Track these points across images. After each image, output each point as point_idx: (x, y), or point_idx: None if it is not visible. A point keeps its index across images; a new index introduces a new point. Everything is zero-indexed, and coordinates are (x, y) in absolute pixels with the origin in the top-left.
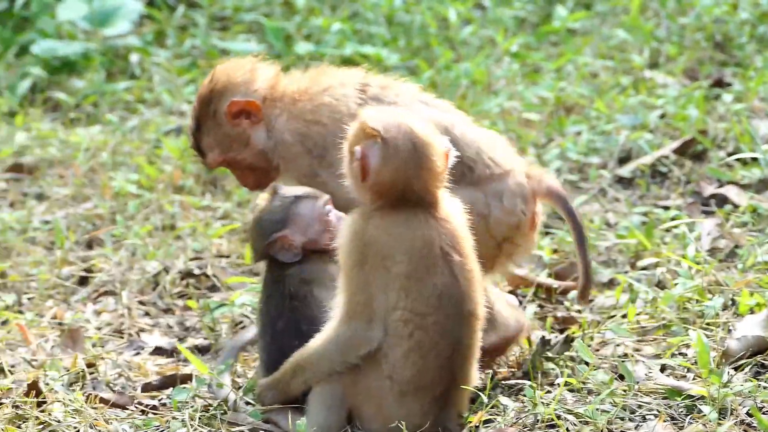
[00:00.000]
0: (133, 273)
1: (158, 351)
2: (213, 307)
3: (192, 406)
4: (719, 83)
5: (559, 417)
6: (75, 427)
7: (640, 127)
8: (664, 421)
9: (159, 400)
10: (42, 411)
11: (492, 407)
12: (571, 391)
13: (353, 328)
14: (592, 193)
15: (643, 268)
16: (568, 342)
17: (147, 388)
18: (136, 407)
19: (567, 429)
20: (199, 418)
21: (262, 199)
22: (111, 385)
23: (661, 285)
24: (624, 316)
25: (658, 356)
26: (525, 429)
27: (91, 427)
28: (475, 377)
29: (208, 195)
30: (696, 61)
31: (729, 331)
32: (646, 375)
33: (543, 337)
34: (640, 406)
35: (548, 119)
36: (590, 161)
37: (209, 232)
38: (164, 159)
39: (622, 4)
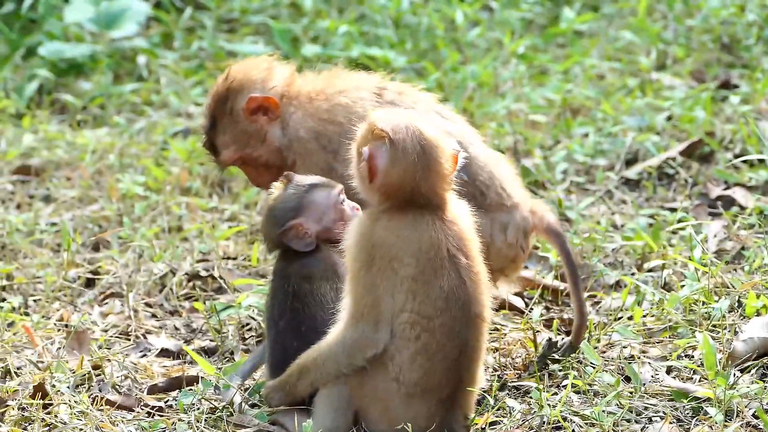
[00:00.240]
0: (140, 275)
1: (164, 353)
2: (220, 309)
3: (198, 408)
4: (726, 85)
5: (565, 419)
6: (81, 429)
7: (647, 129)
8: (671, 423)
9: (165, 402)
10: (48, 413)
11: (498, 409)
12: (577, 392)
13: (360, 330)
14: (599, 194)
15: (650, 270)
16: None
17: (153, 390)
18: (143, 409)
19: (573, 431)
20: (206, 420)
21: (275, 187)
22: (117, 387)
23: (667, 287)
24: (630, 318)
25: (664, 358)
26: (531, 431)
27: (97, 429)
28: (482, 379)
29: (215, 197)
30: (703, 62)
31: (735, 333)
32: (652, 377)
33: (549, 339)
34: (646, 408)
35: (555, 121)
36: (597, 163)
37: (216, 234)
38: (171, 161)
39: (629, 6)
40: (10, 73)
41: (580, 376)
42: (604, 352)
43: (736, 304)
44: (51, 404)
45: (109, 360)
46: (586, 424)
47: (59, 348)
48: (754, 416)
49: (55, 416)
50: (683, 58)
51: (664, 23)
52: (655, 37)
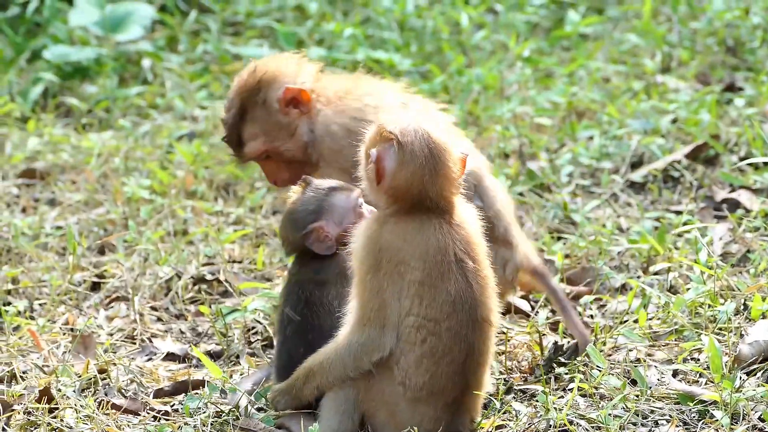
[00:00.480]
0: (146, 278)
1: (170, 357)
2: (225, 313)
3: (204, 412)
4: (731, 88)
5: (571, 422)
6: None
7: (652, 132)
8: (677, 426)
9: (171, 406)
10: (54, 417)
11: (504, 413)
12: (583, 396)
13: (366, 334)
14: (605, 197)
15: (656, 273)
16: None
17: (159, 393)
18: (148, 413)
19: None
20: (212, 424)
21: (293, 191)
22: (123, 390)
23: (673, 290)
24: (636, 321)
25: (670, 361)
26: None
27: None
28: (488, 383)
29: (221, 200)
30: (708, 65)
31: (741, 335)
32: (658, 380)
33: (555, 342)
34: (652, 411)
35: (560, 124)
36: (602, 166)
37: (221, 238)
38: (176, 164)
39: (634, 9)
40: (15, 77)
41: (587, 380)
42: (610, 355)
43: (742, 307)
44: (57, 408)
45: (114, 364)
46: (593, 427)
47: (65, 352)
48: (761, 419)
49: (61, 420)
50: (688, 61)
51: (669, 26)
52: (660, 40)
